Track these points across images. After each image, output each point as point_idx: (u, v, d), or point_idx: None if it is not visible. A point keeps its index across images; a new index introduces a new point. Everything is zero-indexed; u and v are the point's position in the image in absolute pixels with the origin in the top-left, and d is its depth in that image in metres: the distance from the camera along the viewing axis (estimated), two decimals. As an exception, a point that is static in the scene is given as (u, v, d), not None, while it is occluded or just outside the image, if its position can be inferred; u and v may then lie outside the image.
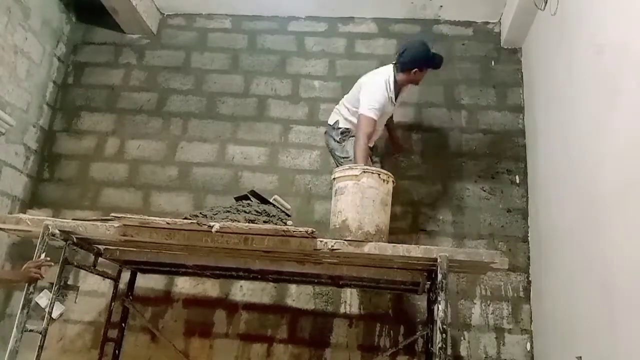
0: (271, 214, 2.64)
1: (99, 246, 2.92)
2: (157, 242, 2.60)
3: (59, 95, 4.18)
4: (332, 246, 2.42)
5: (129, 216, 2.50)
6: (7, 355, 2.37)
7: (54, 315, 3.41)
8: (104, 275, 3.13)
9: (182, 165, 3.91)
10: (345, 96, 3.32)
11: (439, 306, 2.34)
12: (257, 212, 2.63)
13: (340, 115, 3.23)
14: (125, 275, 3.33)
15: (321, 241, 2.43)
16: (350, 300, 3.49)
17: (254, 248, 2.49)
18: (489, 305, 3.42)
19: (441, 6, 4.00)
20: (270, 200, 2.84)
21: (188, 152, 3.94)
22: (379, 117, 3.04)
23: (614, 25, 2.35)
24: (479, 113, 3.86)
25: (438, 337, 2.29)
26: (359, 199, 2.50)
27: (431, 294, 2.84)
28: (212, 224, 2.39)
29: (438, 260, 2.38)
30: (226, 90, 4.09)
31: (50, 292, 2.59)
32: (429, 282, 2.80)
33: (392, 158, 3.70)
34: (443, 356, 2.25)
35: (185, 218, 2.58)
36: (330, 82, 4.04)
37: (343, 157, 3.12)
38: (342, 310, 3.48)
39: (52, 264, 2.51)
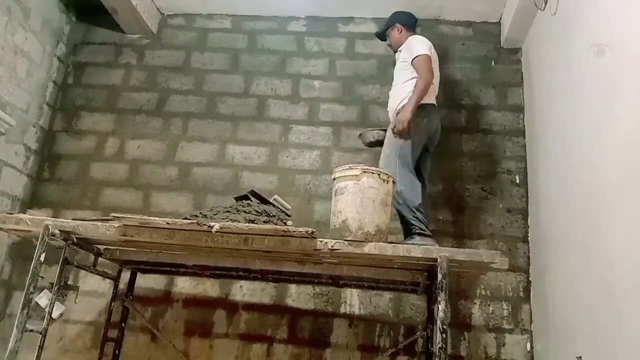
0: (271, 214, 2.65)
1: (99, 246, 2.92)
2: (157, 242, 2.61)
3: (59, 95, 4.18)
4: (332, 246, 2.42)
5: (129, 216, 2.50)
6: (7, 355, 2.37)
7: (54, 315, 3.40)
8: (104, 275, 3.13)
9: (182, 165, 3.91)
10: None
11: (439, 306, 2.34)
12: (257, 212, 2.63)
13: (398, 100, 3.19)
14: (125, 275, 3.33)
15: (321, 241, 2.43)
16: (350, 300, 3.49)
17: (254, 248, 2.49)
18: (489, 305, 3.42)
19: (441, 6, 4.01)
20: (270, 200, 2.84)
21: (188, 152, 3.95)
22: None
23: (613, 25, 2.35)
24: (479, 113, 3.86)
25: (438, 337, 2.29)
26: (359, 199, 2.50)
27: (431, 294, 2.85)
28: (212, 224, 2.39)
29: (438, 260, 2.38)
30: (226, 90, 4.10)
31: (50, 292, 2.59)
32: (429, 282, 2.80)
33: None
34: (443, 356, 2.25)
35: (185, 218, 2.58)
36: (330, 82, 4.04)
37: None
38: (342, 310, 3.48)
39: None
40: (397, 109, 3.12)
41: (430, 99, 3.18)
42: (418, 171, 3.14)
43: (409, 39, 3.30)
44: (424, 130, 3.11)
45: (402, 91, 3.17)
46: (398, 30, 3.43)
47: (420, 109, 3.06)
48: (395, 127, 3.00)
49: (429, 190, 3.64)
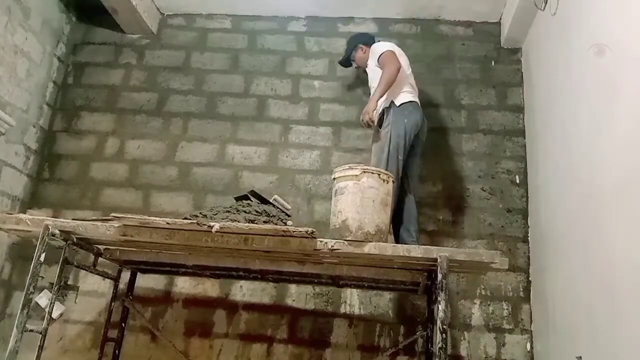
0: (271, 214, 2.65)
1: (99, 246, 2.92)
2: (157, 242, 2.60)
3: (59, 95, 4.17)
4: (332, 246, 2.42)
5: (129, 216, 2.50)
6: (7, 355, 2.37)
7: (54, 315, 3.40)
8: (104, 275, 3.13)
9: (182, 165, 3.91)
10: None
11: (439, 306, 2.34)
12: (257, 212, 2.63)
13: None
14: (125, 275, 3.33)
15: (321, 241, 2.43)
16: (350, 300, 3.49)
17: (254, 248, 2.49)
18: (489, 305, 3.42)
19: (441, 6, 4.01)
20: (270, 200, 2.84)
21: (188, 152, 3.94)
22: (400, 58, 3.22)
23: (614, 25, 2.35)
24: (479, 113, 3.86)
25: (438, 337, 2.29)
26: (359, 199, 2.50)
27: (431, 294, 2.85)
28: (212, 224, 2.39)
29: (438, 260, 2.38)
30: (226, 90, 4.09)
31: (50, 292, 2.59)
32: (429, 282, 2.80)
33: None
34: (443, 356, 2.25)
35: (185, 218, 2.58)
36: (330, 82, 4.04)
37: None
38: (342, 310, 3.48)
39: None
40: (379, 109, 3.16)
41: (409, 97, 3.20)
42: (405, 177, 3.14)
43: (371, 48, 3.40)
44: (406, 131, 3.08)
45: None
46: (362, 50, 3.51)
47: (402, 108, 3.13)
48: (362, 119, 3.09)
49: (429, 190, 3.68)
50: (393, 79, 3.09)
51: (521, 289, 3.44)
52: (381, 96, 3.08)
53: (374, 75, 3.28)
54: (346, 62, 3.63)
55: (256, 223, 2.52)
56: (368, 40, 3.55)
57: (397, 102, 3.16)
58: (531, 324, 3.35)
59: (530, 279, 3.43)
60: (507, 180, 3.68)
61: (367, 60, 3.43)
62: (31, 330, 2.44)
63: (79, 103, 4.15)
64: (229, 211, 2.62)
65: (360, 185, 2.52)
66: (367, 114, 3.04)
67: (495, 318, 3.39)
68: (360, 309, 3.48)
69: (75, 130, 4.07)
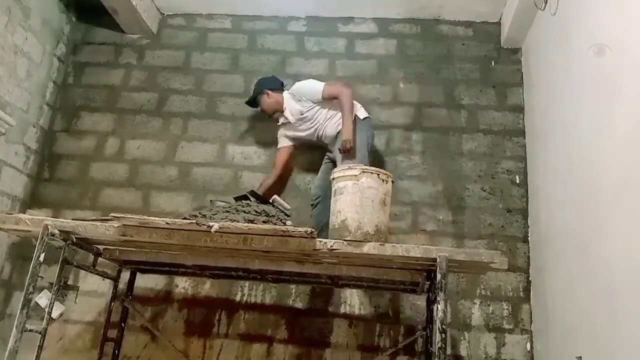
0: (270, 214, 2.65)
1: (99, 246, 2.92)
2: (157, 242, 2.60)
3: (59, 95, 4.18)
4: (331, 246, 2.42)
5: (128, 216, 2.50)
6: (6, 355, 2.37)
7: (54, 315, 3.41)
8: (103, 275, 3.12)
9: (182, 165, 3.91)
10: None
11: (439, 306, 2.33)
12: (256, 212, 2.63)
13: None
14: (125, 275, 3.33)
15: (320, 241, 2.43)
16: (350, 300, 3.49)
17: (253, 248, 2.48)
18: (488, 305, 3.42)
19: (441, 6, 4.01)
20: (270, 201, 2.84)
21: (188, 152, 3.94)
22: None
23: (614, 25, 2.34)
24: (479, 113, 3.86)
25: (437, 337, 2.29)
26: (358, 199, 2.50)
27: (430, 294, 2.84)
28: (211, 224, 2.39)
29: (437, 260, 2.37)
30: (226, 90, 4.09)
31: (50, 292, 2.59)
32: (428, 282, 2.80)
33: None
34: (442, 356, 2.25)
35: (185, 218, 2.58)
36: (330, 82, 4.04)
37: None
38: (342, 310, 3.48)
39: None
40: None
41: (365, 112, 3.38)
42: None
43: (297, 88, 3.41)
44: (368, 145, 3.28)
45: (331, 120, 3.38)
46: (267, 95, 3.48)
47: (364, 122, 3.31)
48: (343, 148, 3.11)
49: (429, 190, 3.67)
50: (352, 100, 3.26)
51: (521, 289, 3.43)
52: (352, 120, 3.18)
53: (315, 113, 3.38)
54: (252, 103, 3.59)
55: (255, 223, 2.52)
56: (276, 86, 3.53)
57: (360, 116, 3.31)
58: (531, 324, 3.35)
59: (530, 279, 3.43)
60: (507, 180, 3.68)
61: (273, 107, 3.48)
62: (31, 330, 2.44)
63: (79, 103, 4.15)
64: (228, 211, 2.62)
65: (360, 185, 2.51)
66: (349, 142, 3.10)
67: (495, 318, 3.39)
68: (360, 309, 3.48)
69: (75, 130, 4.07)
